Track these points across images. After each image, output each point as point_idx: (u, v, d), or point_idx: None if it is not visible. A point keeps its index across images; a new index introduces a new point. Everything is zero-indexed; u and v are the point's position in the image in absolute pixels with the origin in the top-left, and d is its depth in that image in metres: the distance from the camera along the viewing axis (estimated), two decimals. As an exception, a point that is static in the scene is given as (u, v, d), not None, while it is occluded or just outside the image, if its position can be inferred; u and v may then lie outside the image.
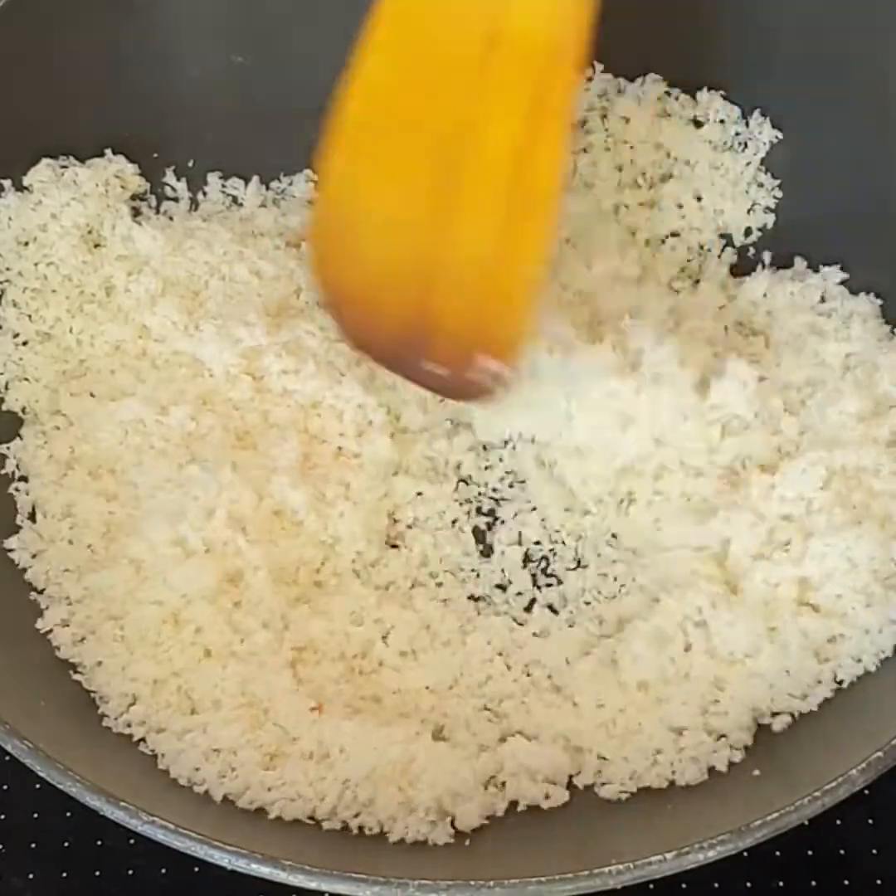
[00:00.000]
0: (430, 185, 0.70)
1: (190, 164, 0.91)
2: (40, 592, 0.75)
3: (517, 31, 0.67)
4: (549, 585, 0.79)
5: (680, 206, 0.91)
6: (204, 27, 0.90)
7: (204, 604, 0.74)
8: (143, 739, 0.70)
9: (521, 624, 0.77)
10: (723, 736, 0.70)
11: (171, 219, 0.91)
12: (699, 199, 0.91)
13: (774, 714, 0.71)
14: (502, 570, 0.80)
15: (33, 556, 0.77)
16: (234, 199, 0.93)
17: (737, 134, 0.90)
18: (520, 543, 0.81)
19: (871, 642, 0.71)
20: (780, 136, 0.89)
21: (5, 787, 0.78)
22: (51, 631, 0.74)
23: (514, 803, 0.70)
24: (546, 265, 0.72)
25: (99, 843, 0.75)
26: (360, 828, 0.67)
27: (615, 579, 0.79)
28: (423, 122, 0.70)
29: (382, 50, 0.70)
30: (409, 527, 0.81)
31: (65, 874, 0.75)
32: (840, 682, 0.71)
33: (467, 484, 0.83)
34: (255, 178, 0.93)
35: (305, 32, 0.92)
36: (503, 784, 0.70)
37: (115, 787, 0.61)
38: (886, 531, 0.73)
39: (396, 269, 0.72)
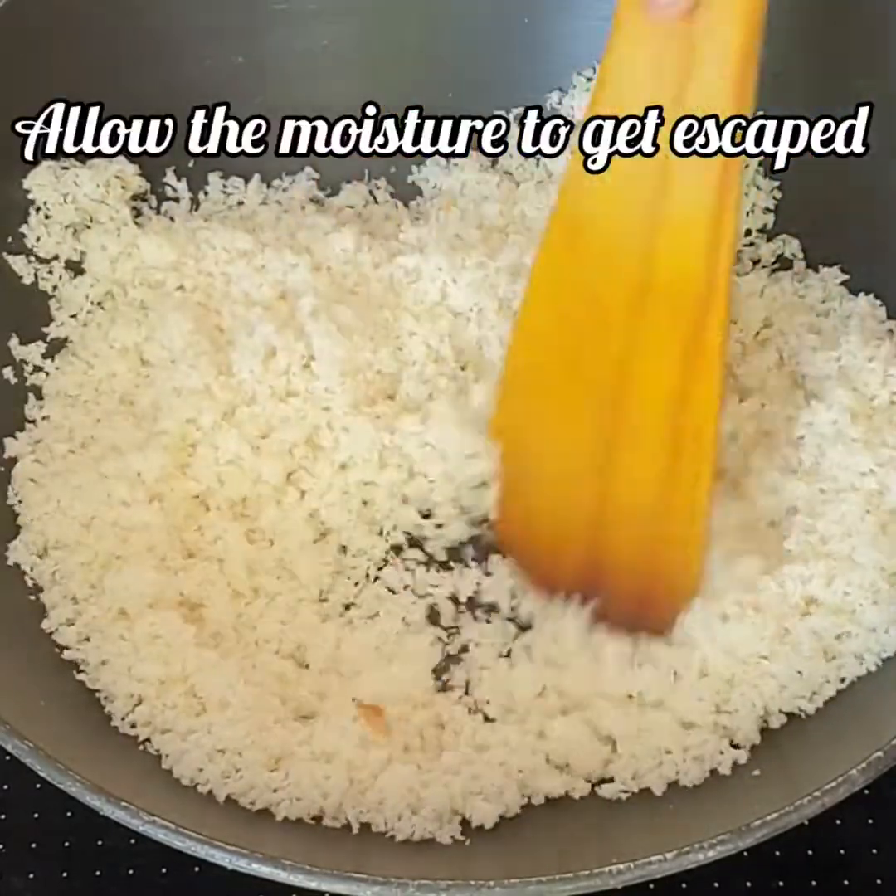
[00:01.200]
0: (593, 430, 0.73)
1: (190, 163, 0.91)
2: (41, 591, 0.75)
3: (662, 281, 0.70)
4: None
5: None
6: (204, 27, 0.91)
7: (212, 603, 0.74)
8: (147, 740, 0.70)
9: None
10: (729, 736, 0.70)
11: (171, 219, 0.90)
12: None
13: (783, 713, 0.71)
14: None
15: (39, 557, 0.77)
16: (238, 202, 0.93)
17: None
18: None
19: (876, 641, 0.71)
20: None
21: (5, 787, 0.78)
22: (55, 630, 0.73)
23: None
24: (710, 506, 0.73)
25: (99, 843, 0.75)
26: (363, 826, 0.67)
27: None
28: (583, 367, 0.73)
29: (540, 300, 0.74)
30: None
31: (65, 874, 0.75)
32: (843, 680, 0.71)
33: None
34: (256, 177, 0.93)
35: (306, 31, 0.92)
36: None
37: (116, 787, 0.61)
38: (890, 530, 0.73)
39: (568, 516, 0.76)
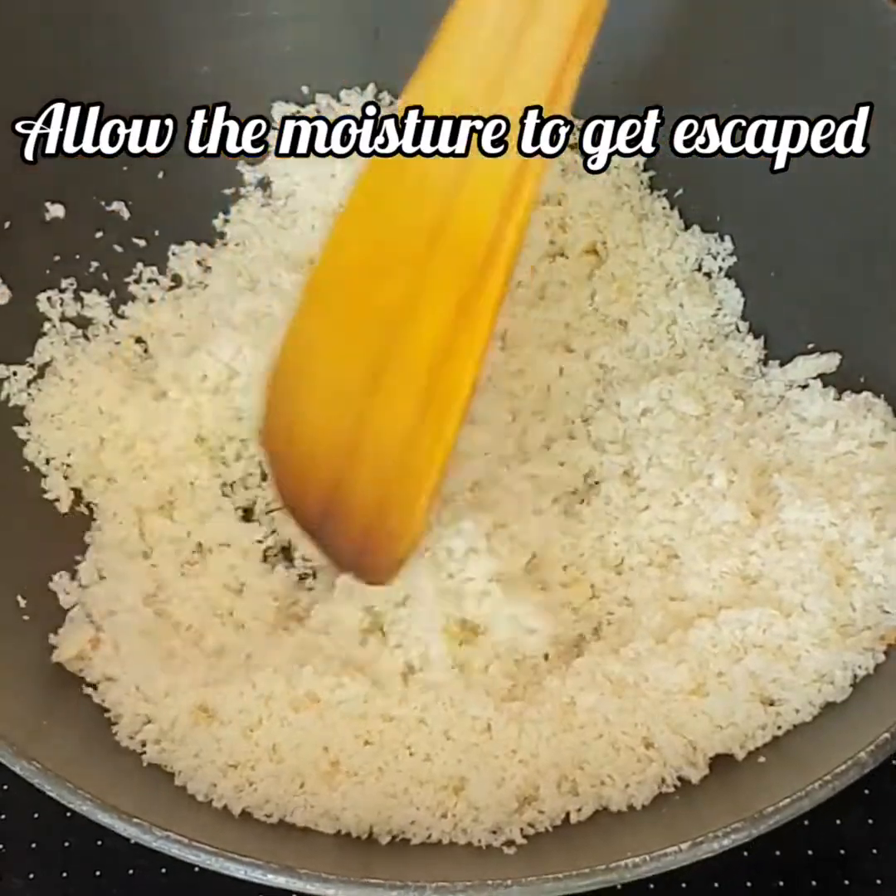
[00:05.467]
0: (367, 362, 0.72)
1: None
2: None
3: (456, 224, 0.70)
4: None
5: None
6: (204, 27, 0.91)
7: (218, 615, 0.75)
8: (157, 756, 0.69)
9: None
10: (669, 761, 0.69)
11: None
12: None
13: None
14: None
15: None
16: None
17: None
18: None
19: (818, 690, 0.69)
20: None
21: (5, 787, 0.78)
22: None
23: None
24: (446, 460, 0.72)
25: (99, 843, 0.75)
26: (377, 830, 0.67)
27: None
28: (371, 301, 0.72)
29: (355, 224, 0.73)
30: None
31: (65, 874, 0.75)
32: (779, 728, 0.69)
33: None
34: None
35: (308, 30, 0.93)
36: None
37: (127, 802, 0.61)
38: (845, 582, 0.72)
39: (328, 436, 0.74)
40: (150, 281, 0.90)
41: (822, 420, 0.81)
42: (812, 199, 0.85)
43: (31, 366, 0.84)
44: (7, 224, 0.84)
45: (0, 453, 0.81)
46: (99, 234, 0.89)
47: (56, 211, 0.87)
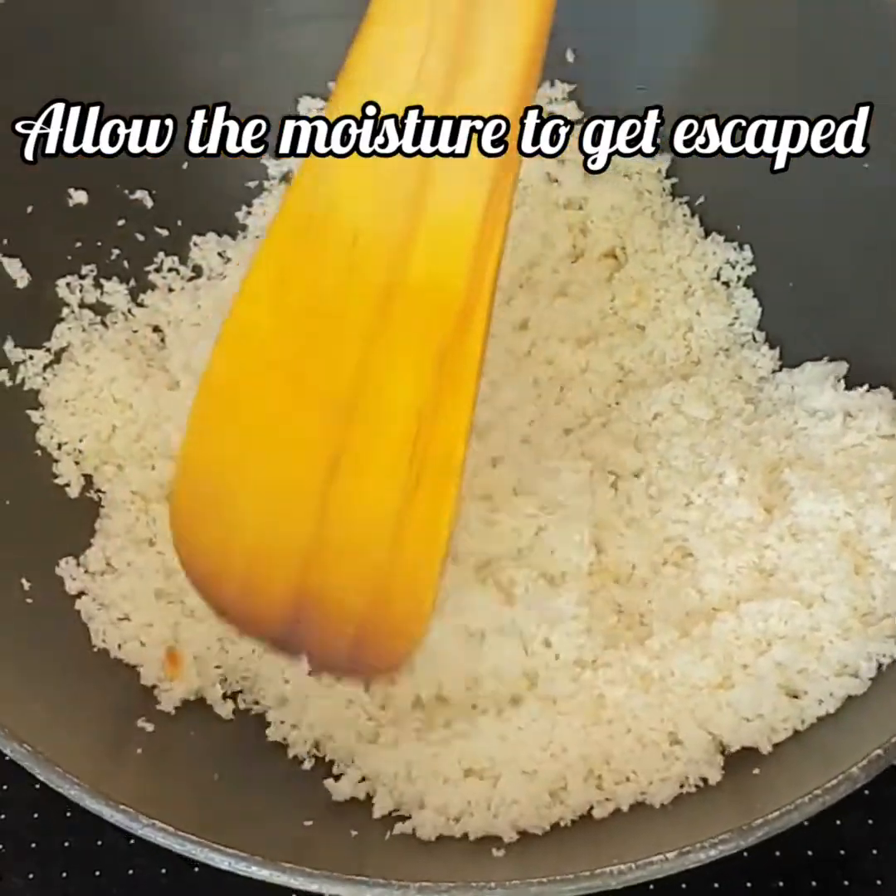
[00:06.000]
0: (316, 449, 0.65)
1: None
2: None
3: (417, 283, 0.64)
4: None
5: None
6: (204, 26, 0.91)
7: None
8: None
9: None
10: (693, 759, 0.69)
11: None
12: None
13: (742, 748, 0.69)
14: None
15: None
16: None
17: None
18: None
19: (841, 685, 0.69)
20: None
21: (5, 787, 0.78)
22: None
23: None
24: (449, 534, 0.64)
25: (99, 843, 0.75)
26: (362, 827, 0.67)
27: None
28: (308, 379, 0.65)
29: (259, 299, 0.66)
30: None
31: (65, 874, 0.75)
32: (803, 722, 0.69)
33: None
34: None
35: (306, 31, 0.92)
36: None
37: (117, 791, 0.61)
38: (863, 571, 0.73)
39: (275, 539, 0.66)
40: (170, 270, 0.90)
41: (829, 413, 0.81)
42: (834, 210, 0.84)
43: (48, 350, 0.84)
44: (29, 208, 0.84)
45: (13, 437, 0.81)
46: (121, 222, 0.89)
47: (79, 197, 0.87)
